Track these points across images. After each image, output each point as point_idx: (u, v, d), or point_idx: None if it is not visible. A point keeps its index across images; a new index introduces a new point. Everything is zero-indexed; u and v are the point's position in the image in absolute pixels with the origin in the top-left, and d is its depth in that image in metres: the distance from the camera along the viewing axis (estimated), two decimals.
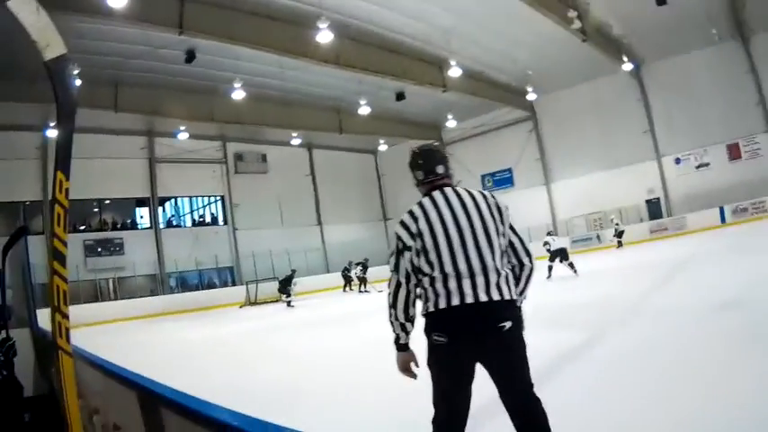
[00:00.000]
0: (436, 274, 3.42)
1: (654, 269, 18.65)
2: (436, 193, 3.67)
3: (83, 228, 38.62)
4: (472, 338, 3.38)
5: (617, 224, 36.65)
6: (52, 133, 31.69)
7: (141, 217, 42.62)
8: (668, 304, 11.08)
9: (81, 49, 25.04)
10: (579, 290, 16.89)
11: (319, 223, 51.04)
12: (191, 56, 28.77)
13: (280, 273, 35.64)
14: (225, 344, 17.26)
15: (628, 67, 37.44)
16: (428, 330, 3.46)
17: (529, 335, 3.55)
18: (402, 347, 3.71)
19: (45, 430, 6.07)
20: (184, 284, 42.04)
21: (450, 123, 46.65)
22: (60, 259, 3.81)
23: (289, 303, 29.17)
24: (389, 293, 3.67)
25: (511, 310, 3.47)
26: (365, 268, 33.50)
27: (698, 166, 38.65)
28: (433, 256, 3.46)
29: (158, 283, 40.60)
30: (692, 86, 37.57)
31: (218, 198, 46.25)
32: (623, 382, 6.21)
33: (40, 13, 3.71)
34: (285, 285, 30.42)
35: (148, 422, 3.10)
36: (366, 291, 32.51)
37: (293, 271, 32.36)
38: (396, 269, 3.62)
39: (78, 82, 20.56)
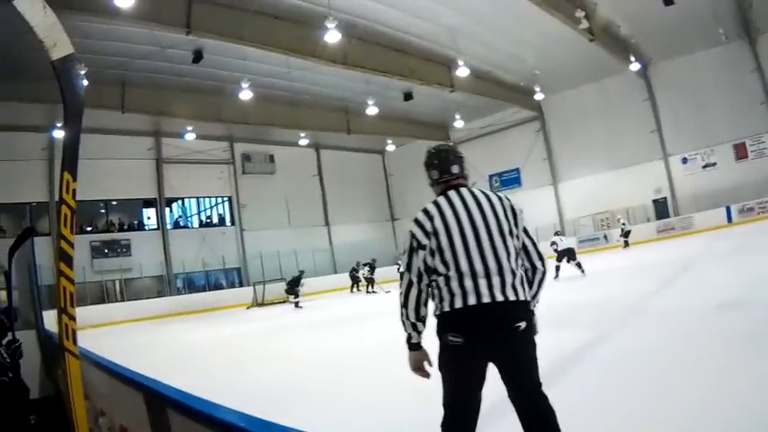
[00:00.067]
0: (452, 273, 3.39)
1: (660, 269, 18.62)
2: (452, 193, 3.65)
3: (89, 229, 38.65)
4: (488, 338, 3.35)
5: (623, 224, 36.63)
6: (59, 134, 31.73)
7: (148, 218, 42.74)
8: (672, 304, 11.05)
9: (87, 50, 25.02)
10: (585, 290, 16.87)
11: (327, 224, 51.11)
12: (198, 56, 28.82)
13: (287, 274, 35.58)
14: (229, 345, 17.27)
15: (635, 66, 37.33)
16: (442, 331, 3.42)
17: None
18: (414, 347, 3.68)
19: None
20: (191, 286, 42.14)
21: (458, 123, 46.60)
22: (67, 260, 3.79)
23: (297, 304, 29.09)
24: (401, 293, 3.66)
25: (525, 310, 3.46)
26: (372, 269, 33.49)
27: (705, 166, 38.62)
28: (448, 255, 3.43)
29: (165, 285, 40.66)
30: (698, 86, 37.53)
31: (225, 199, 46.31)
32: (626, 382, 6.19)
33: (47, 12, 3.68)
34: (293, 286, 30.29)
35: (155, 423, 3.08)
36: (373, 291, 32.42)
37: (301, 272, 32.27)
38: (408, 268, 3.59)
39: (85, 82, 20.57)
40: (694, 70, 37.66)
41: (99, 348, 5.71)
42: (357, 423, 6.34)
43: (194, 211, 46.54)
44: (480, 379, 3.43)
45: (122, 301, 37.11)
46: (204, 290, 41.33)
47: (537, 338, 3.54)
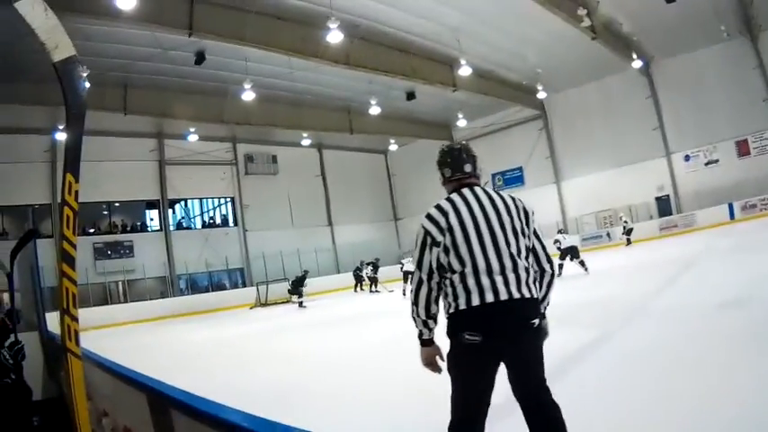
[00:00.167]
0: (468, 270, 3.39)
1: (662, 267, 18.56)
2: (465, 191, 3.66)
3: (92, 231, 38.70)
4: (505, 336, 3.36)
5: (625, 222, 36.76)
6: (61, 136, 31.73)
7: (151, 219, 42.74)
8: (674, 303, 11.05)
9: (89, 52, 25.00)
10: (587, 288, 16.82)
11: (330, 224, 51.10)
12: (200, 57, 28.82)
13: (290, 274, 35.69)
14: (232, 345, 17.33)
15: (637, 64, 37.22)
16: (457, 330, 3.40)
17: None
18: (426, 342, 3.67)
19: None
20: (194, 286, 42.07)
21: (461, 122, 46.45)
22: (69, 262, 3.79)
23: (301, 304, 29.13)
24: (411, 290, 3.65)
25: (537, 308, 3.51)
26: (376, 268, 33.49)
27: (707, 163, 38.54)
28: (464, 252, 3.42)
29: (168, 286, 40.69)
30: (700, 83, 37.50)
31: (228, 199, 46.34)
32: (626, 381, 6.20)
33: (49, 14, 3.69)
34: (297, 286, 30.32)
35: (158, 424, 3.09)
36: (377, 291, 32.45)
37: (306, 272, 32.30)
38: (419, 265, 3.57)
39: (87, 84, 20.58)
40: (696, 67, 37.61)
41: (101, 349, 5.70)
42: (359, 423, 6.33)
43: (197, 212, 46.52)
44: (493, 379, 3.44)
45: (125, 302, 37.05)
46: (207, 291, 41.31)
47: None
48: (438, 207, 3.59)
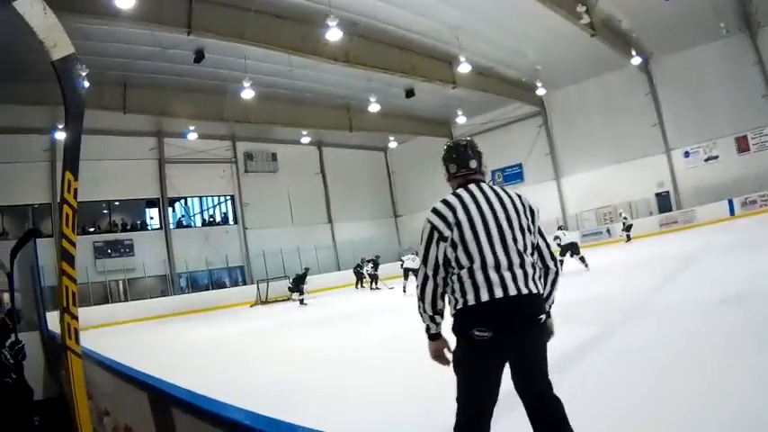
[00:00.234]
0: (476, 265, 3.36)
1: (662, 264, 18.56)
2: (472, 186, 3.65)
3: (92, 230, 38.67)
4: (513, 332, 3.35)
5: (625, 218, 36.87)
6: (60, 135, 31.71)
7: (151, 218, 42.71)
8: (674, 300, 11.04)
9: (89, 51, 24.99)
10: (587, 285, 16.79)
11: (330, 221, 51.06)
12: (199, 56, 28.84)
13: (290, 271, 35.67)
14: (232, 343, 17.34)
15: (636, 61, 37.29)
16: (465, 326, 3.36)
17: None
18: (434, 337, 3.65)
19: None
20: (195, 285, 42.00)
21: (460, 119, 46.42)
22: (69, 260, 3.79)
23: (302, 302, 29.17)
24: (417, 285, 3.63)
25: (543, 304, 3.52)
26: (376, 265, 33.52)
27: (707, 159, 38.59)
28: (472, 247, 3.40)
29: (168, 284, 40.67)
30: (700, 80, 37.54)
31: (228, 197, 46.31)
32: (626, 378, 6.20)
33: (47, 13, 3.69)
34: (298, 284, 30.36)
35: (159, 422, 3.09)
36: (377, 288, 32.46)
37: (307, 269, 32.32)
38: (424, 261, 3.55)
39: (86, 84, 20.58)
40: (695, 64, 37.67)
41: (101, 348, 5.72)
42: (359, 422, 6.31)
43: (197, 210, 46.59)
44: (500, 377, 3.41)
45: (126, 301, 37.03)
46: (207, 289, 41.20)
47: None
48: (445, 202, 3.57)
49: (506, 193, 3.64)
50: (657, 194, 40.70)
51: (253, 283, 39.05)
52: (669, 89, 39.35)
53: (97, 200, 37.86)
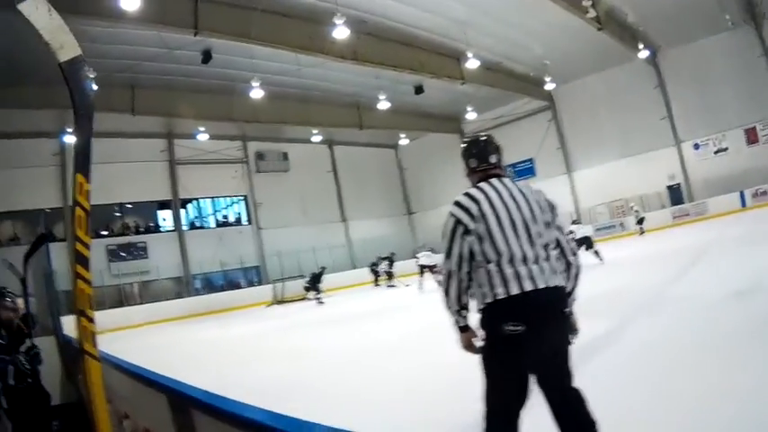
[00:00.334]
0: (504, 258, 3.35)
1: (674, 257, 18.62)
2: (494, 180, 3.65)
3: (105, 233, 38.78)
4: (544, 325, 3.34)
5: (637, 211, 36.97)
6: (70, 139, 31.92)
7: (164, 220, 42.84)
8: (686, 294, 10.99)
9: (95, 54, 25.01)
10: (600, 280, 16.70)
11: (343, 219, 51.20)
12: (207, 56, 28.84)
13: (306, 270, 35.68)
14: (246, 343, 17.41)
15: (644, 54, 37.13)
16: (496, 321, 3.34)
17: None
18: (462, 329, 3.63)
19: None
20: (210, 286, 42.18)
21: (470, 115, 46.51)
22: (83, 262, 3.76)
23: (319, 300, 29.30)
24: (442, 281, 3.62)
25: (566, 298, 3.54)
26: (391, 263, 33.66)
27: (716, 151, 38.58)
28: (499, 239, 3.39)
29: (183, 286, 40.78)
30: (707, 72, 37.55)
31: (240, 198, 46.42)
32: (642, 371, 6.21)
33: (53, 14, 3.65)
34: (314, 283, 30.52)
35: (179, 425, 3.07)
36: (393, 285, 32.53)
37: (323, 268, 32.49)
38: (448, 255, 3.53)
39: (94, 86, 20.59)
40: (702, 56, 37.67)
41: (114, 351, 5.70)
42: (358, 421, 6.28)
43: (210, 211, 46.65)
44: (528, 374, 3.40)
45: (141, 303, 37.09)
46: (223, 290, 41.27)
47: None
48: (468, 195, 3.56)
49: (527, 188, 3.64)
50: (669, 187, 40.67)
51: (268, 283, 39.15)
52: (677, 82, 39.34)
53: (109, 203, 38.11)
